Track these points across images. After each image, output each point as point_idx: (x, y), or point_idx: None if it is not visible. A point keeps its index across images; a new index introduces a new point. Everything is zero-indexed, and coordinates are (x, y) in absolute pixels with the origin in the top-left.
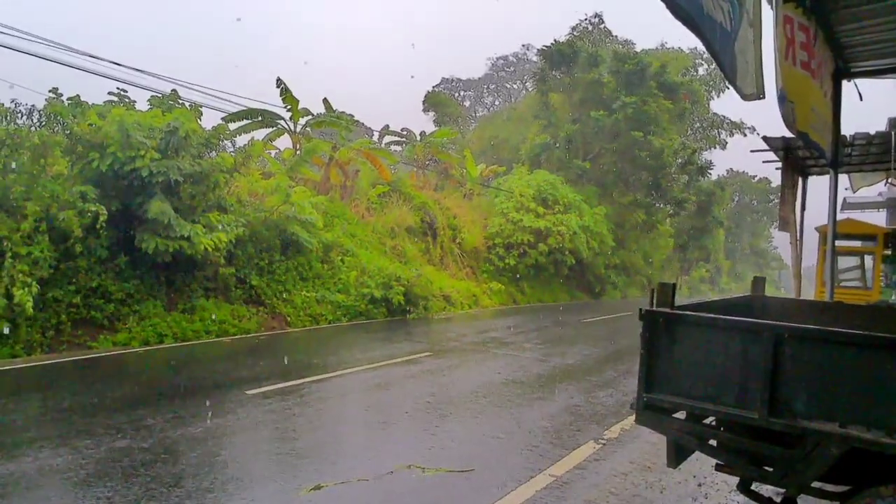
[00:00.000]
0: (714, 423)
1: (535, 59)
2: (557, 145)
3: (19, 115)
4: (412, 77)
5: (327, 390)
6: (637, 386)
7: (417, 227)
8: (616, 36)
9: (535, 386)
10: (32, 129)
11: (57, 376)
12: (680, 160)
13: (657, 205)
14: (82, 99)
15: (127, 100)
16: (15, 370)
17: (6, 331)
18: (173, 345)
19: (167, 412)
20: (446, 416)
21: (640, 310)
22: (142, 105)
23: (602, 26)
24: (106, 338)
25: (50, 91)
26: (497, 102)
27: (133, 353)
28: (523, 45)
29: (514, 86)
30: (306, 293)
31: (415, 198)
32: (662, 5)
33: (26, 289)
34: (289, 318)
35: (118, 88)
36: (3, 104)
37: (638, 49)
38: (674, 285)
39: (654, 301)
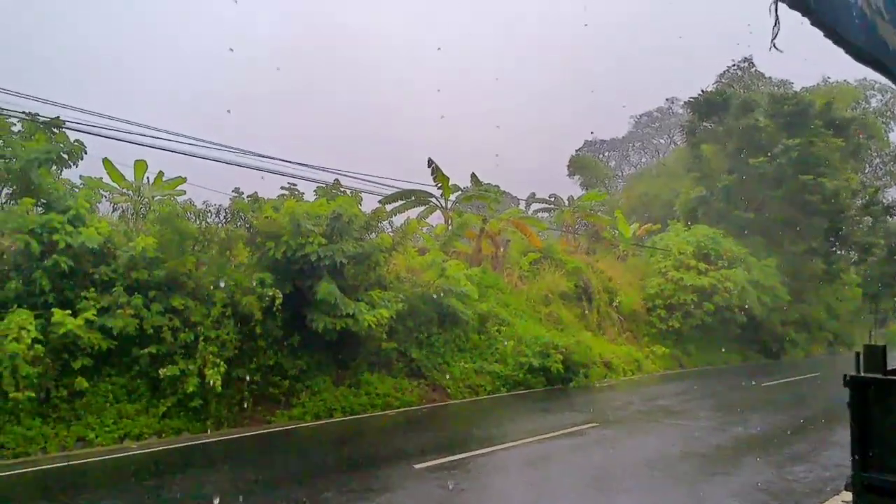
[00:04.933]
0: None
1: (680, 111)
2: (714, 197)
3: (209, 213)
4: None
5: (493, 464)
6: (851, 463)
7: (572, 292)
8: (770, 77)
9: (715, 459)
10: (220, 225)
11: (242, 450)
12: (860, 201)
13: (838, 252)
14: (259, 195)
15: (296, 192)
16: (206, 444)
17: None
18: (342, 418)
19: (342, 486)
20: (618, 491)
21: (846, 377)
22: (309, 195)
23: (753, 70)
24: (282, 413)
25: (233, 191)
26: (644, 159)
27: (306, 427)
28: (667, 99)
29: (661, 141)
30: (464, 364)
31: (567, 263)
32: (821, 38)
33: (216, 368)
34: (448, 390)
35: (288, 183)
36: (196, 205)
37: (797, 88)
38: (884, 348)
39: (861, 366)
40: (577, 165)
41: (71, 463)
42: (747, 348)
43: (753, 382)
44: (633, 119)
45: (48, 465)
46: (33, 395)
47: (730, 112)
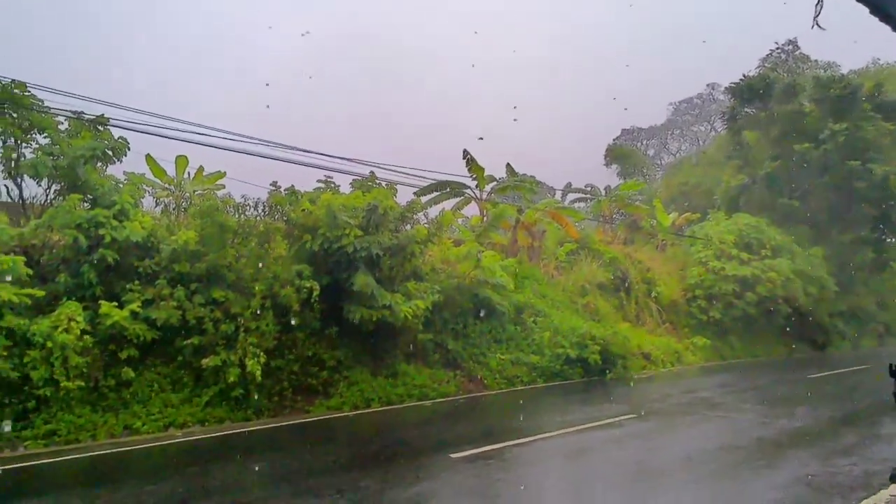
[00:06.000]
0: None
1: (721, 97)
2: (757, 185)
3: (248, 207)
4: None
5: (529, 455)
6: None
7: (609, 283)
8: (816, 60)
9: (758, 452)
10: (258, 218)
11: (282, 439)
12: None
13: (888, 240)
14: (296, 188)
15: (333, 185)
16: (248, 433)
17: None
18: (379, 409)
19: (379, 475)
20: (658, 484)
21: (891, 366)
22: (345, 188)
23: (797, 52)
24: (321, 402)
25: (270, 184)
26: (683, 147)
27: (344, 416)
28: (708, 85)
29: (701, 128)
30: (501, 355)
31: (604, 253)
32: (874, 20)
33: (256, 359)
34: (485, 381)
35: (325, 176)
36: (235, 199)
37: (844, 70)
38: None
39: None
40: (615, 154)
41: (119, 449)
42: (792, 340)
43: (798, 375)
44: (672, 106)
45: (98, 451)
46: (83, 384)
47: (773, 97)
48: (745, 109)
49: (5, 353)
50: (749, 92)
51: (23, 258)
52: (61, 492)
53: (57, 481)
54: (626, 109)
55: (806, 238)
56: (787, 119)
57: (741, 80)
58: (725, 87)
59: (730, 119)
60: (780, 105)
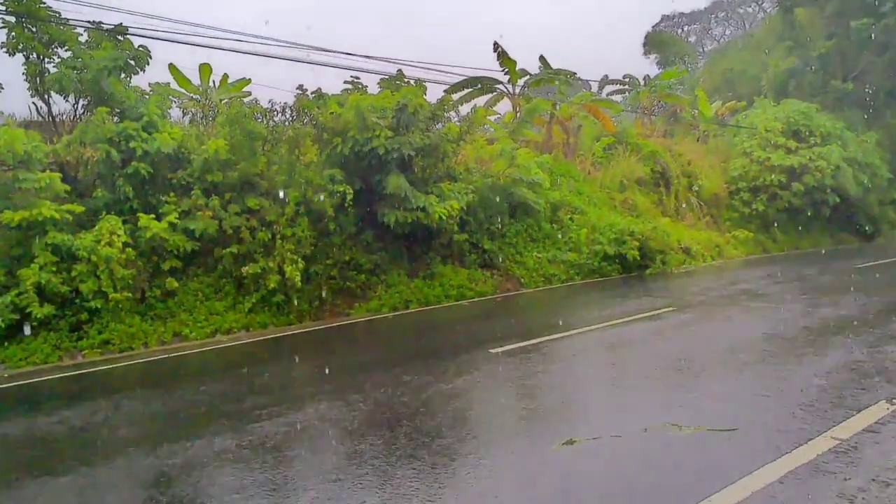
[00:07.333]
0: None
1: None
2: (809, 68)
3: (275, 113)
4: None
5: (569, 348)
6: None
7: (648, 177)
8: None
9: (802, 340)
10: (286, 124)
11: (324, 341)
12: None
13: None
14: (323, 91)
15: (360, 86)
16: (292, 336)
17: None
18: (418, 309)
19: (420, 370)
20: (699, 373)
21: None
22: (373, 88)
23: None
24: (360, 305)
25: (297, 88)
26: (728, 32)
27: (384, 318)
28: None
29: (749, 9)
30: (537, 254)
31: (643, 147)
32: None
33: (294, 265)
34: (522, 280)
35: (351, 76)
36: (262, 106)
37: None
38: None
39: None
40: (654, 43)
41: (171, 355)
42: (839, 231)
43: (845, 265)
44: None
45: (151, 357)
46: (130, 295)
47: None
48: None
49: (54, 269)
50: None
51: (59, 175)
52: (121, 394)
53: (116, 385)
54: None
55: (860, 123)
56: None
57: None
58: None
59: None
60: None
